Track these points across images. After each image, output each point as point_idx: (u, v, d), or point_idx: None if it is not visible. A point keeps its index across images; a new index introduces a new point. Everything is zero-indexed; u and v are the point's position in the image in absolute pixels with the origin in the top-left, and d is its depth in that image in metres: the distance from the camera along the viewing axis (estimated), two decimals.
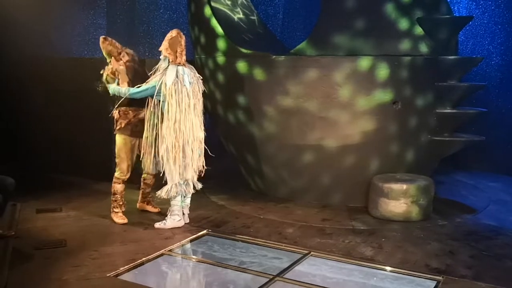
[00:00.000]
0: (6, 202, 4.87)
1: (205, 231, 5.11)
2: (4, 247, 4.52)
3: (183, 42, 5.06)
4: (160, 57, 5.07)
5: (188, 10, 7.02)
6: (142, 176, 5.65)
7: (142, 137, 5.29)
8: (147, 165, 5.25)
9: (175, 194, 5.08)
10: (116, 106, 5.26)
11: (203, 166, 5.19)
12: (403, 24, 6.00)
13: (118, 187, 5.36)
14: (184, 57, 5.06)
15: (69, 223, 5.30)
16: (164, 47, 5.02)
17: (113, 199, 5.37)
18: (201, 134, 5.14)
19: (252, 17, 7.38)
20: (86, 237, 4.87)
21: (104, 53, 5.35)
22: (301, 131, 5.87)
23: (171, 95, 4.92)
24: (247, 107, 6.12)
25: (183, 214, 5.29)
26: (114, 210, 5.38)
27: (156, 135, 5.10)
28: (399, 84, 5.72)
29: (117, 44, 5.35)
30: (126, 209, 5.61)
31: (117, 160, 5.36)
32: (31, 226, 5.18)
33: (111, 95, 5.23)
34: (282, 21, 9.73)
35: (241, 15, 7.14)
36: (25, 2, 6.70)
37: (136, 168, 5.57)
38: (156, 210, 5.70)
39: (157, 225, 5.21)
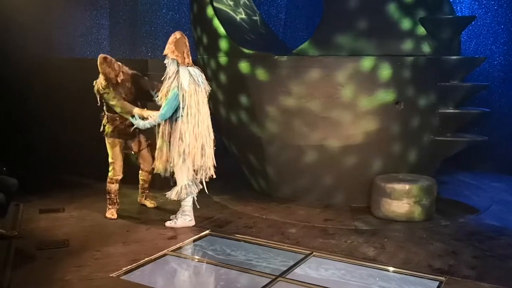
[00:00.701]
0: (9, 203, 4.90)
1: (207, 231, 5.11)
2: (7, 247, 4.54)
3: (187, 43, 5.06)
4: (165, 62, 5.02)
5: (191, 11, 7.02)
6: (139, 172, 5.85)
7: (130, 139, 5.57)
8: (160, 169, 5.18)
9: (185, 196, 5.12)
10: (105, 111, 5.50)
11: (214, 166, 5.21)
12: (406, 24, 5.99)
13: (112, 186, 5.58)
14: (190, 58, 5.06)
15: (72, 223, 5.31)
16: (170, 50, 4.95)
17: (108, 197, 5.60)
18: (212, 134, 5.18)
19: (255, 18, 7.38)
20: (89, 237, 4.88)
21: (100, 71, 5.35)
22: (304, 131, 5.87)
23: (191, 96, 4.93)
24: (250, 107, 6.12)
25: None
26: (108, 206, 5.60)
27: (169, 141, 5.08)
28: (401, 84, 5.71)
29: (115, 65, 5.34)
30: (130, 210, 5.73)
31: (110, 161, 5.55)
32: (34, 226, 5.19)
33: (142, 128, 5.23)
34: (285, 21, 9.73)
35: (243, 16, 7.14)
36: (27, 2, 6.71)
37: (134, 166, 5.75)
38: (152, 205, 5.89)
39: (167, 223, 5.24)
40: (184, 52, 4.98)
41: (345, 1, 6.14)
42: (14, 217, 5.39)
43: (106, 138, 5.53)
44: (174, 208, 5.83)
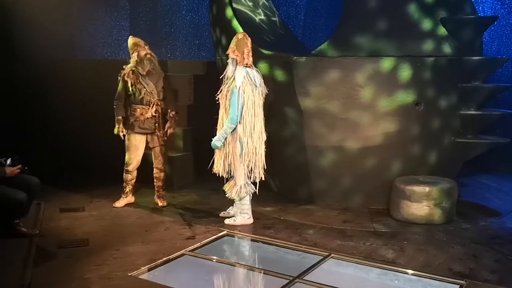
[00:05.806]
0: (31, 202, 4.98)
1: (225, 232, 5.12)
2: (28, 245, 4.61)
3: (249, 44, 5.11)
4: (228, 61, 5.14)
5: (210, 12, 7.05)
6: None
7: (149, 134, 5.77)
8: (220, 169, 5.25)
9: (244, 195, 5.24)
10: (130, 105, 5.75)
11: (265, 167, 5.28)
12: (426, 24, 5.95)
13: (125, 176, 5.89)
14: (251, 58, 5.12)
15: (92, 223, 5.37)
16: (231, 50, 5.07)
17: (123, 185, 5.93)
18: (264, 135, 5.23)
19: (274, 18, 7.38)
20: (108, 237, 4.93)
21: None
22: (322, 132, 5.85)
23: (248, 97, 5.00)
24: (268, 108, 6.09)
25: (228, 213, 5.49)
26: (122, 195, 5.92)
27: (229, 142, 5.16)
28: (422, 85, 5.65)
29: (145, 45, 5.85)
30: (149, 210, 5.79)
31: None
32: (54, 225, 5.26)
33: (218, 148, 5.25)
34: (304, 22, 9.70)
35: (262, 16, 7.15)
36: (49, 4, 6.80)
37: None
38: (162, 204, 5.95)
39: (227, 221, 5.33)
40: (244, 52, 5.05)
41: (364, 2, 6.12)
42: (36, 216, 5.47)
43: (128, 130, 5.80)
44: (192, 208, 5.89)
